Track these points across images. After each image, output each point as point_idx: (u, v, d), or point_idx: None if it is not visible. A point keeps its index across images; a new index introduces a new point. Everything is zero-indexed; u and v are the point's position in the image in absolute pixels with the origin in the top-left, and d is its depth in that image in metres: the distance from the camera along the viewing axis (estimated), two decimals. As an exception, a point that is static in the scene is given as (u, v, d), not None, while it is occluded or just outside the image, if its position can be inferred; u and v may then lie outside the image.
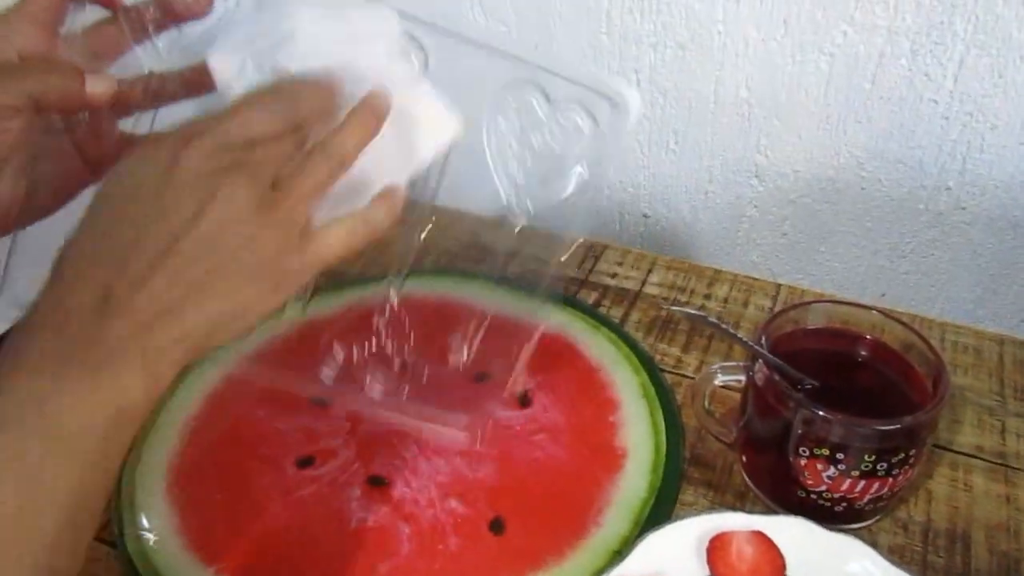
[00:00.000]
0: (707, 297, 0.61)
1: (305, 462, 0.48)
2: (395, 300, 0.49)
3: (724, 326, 0.44)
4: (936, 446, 0.49)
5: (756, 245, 0.78)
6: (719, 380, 0.47)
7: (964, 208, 0.68)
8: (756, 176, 0.74)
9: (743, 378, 0.46)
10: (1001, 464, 0.48)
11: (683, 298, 0.61)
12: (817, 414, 0.41)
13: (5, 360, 0.30)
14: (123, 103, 0.40)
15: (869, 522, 0.45)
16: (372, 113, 0.36)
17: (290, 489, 0.47)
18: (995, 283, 0.71)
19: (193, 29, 0.42)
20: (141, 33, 0.41)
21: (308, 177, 0.34)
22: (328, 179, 0.34)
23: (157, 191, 0.31)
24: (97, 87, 0.37)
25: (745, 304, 0.60)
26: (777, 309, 0.59)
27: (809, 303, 0.47)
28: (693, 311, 0.44)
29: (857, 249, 0.74)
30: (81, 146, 0.41)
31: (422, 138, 0.39)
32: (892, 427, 0.40)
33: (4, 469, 0.27)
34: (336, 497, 0.46)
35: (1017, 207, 0.66)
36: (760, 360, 0.44)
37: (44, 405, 0.28)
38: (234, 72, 0.37)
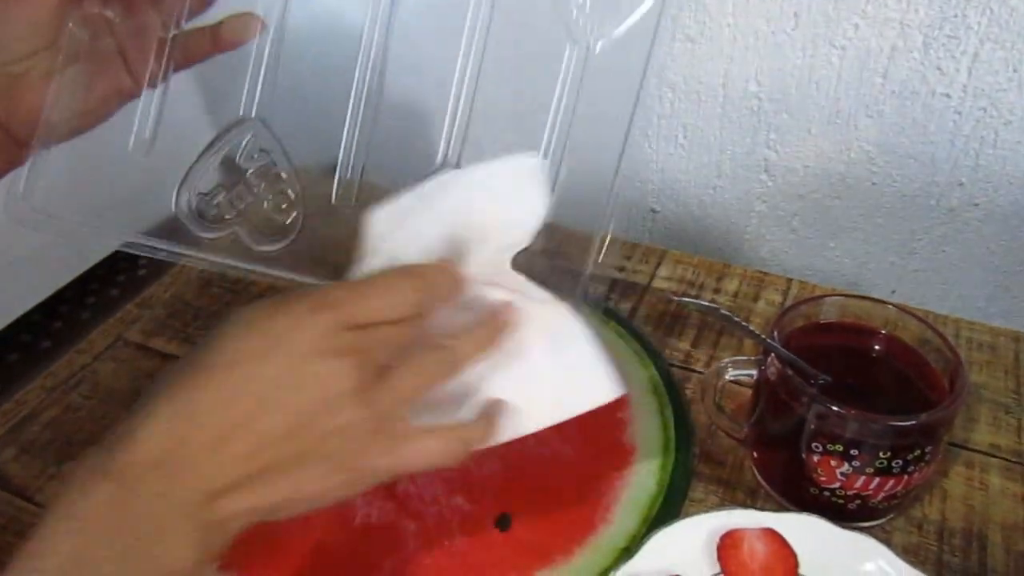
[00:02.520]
0: (717, 291, 0.61)
1: (309, 457, 0.47)
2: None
3: (736, 319, 0.43)
4: (951, 444, 0.48)
5: (765, 241, 0.77)
6: (730, 375, 0.46)
7: (977, 204, 0.67)
8: (765, 171, 0.73)
9: (755, 373, 0.45)
10: (1017, 463, 0.47)
11: (693, 292, 0.61)
12: (831, 410, 0.40)
13: (64, 491, 0.27)
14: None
15: (883, 520, 0.44)
16: (498, 329, 0.35)
17: (293, 484, 0.46)
18: (1008, 280, 0.70)
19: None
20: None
21: (416, 376, 0.32)
22: (435, 382, 0.33)
23: (264, 355, 0.29)
24: None
25: (756, 299, 0.60)
26: (789, 304, 0.58)
27: (822, 297, 0.46)
28: (705, 303, 0.43)
29: (867, 245, 0.74)
30: (123, 48, 0.39)
31: (571, 392, 0.37)
32: (908, 424, 0.39)
33: None
34: (340, 492, 0.46)
35: (1031, 203, 0.65)
36: (772, 355, 0.43)
37: (90, 565, 0.27)
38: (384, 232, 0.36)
